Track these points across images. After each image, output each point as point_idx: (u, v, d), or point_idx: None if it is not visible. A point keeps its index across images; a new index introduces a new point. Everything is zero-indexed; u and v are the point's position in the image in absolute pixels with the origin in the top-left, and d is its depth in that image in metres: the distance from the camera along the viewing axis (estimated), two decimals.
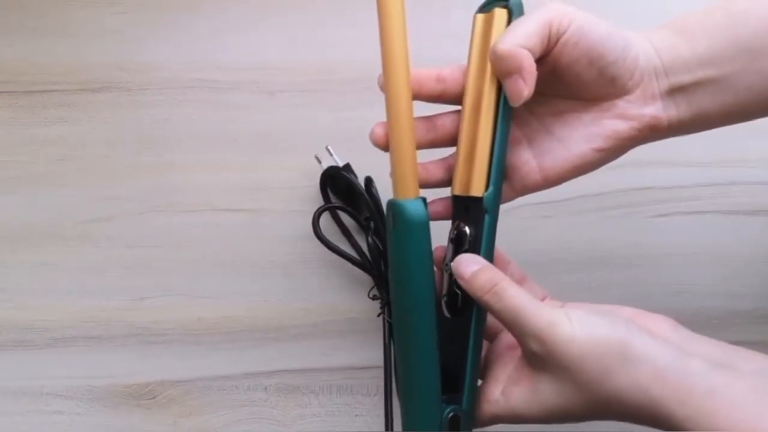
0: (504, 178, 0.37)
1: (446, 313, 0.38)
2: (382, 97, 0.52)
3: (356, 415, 0.49)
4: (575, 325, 0.32)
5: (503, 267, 0.40)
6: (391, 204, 0.36)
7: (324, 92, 0.53)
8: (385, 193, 0.49)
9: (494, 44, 0.34)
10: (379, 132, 0.36)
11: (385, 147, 0.37)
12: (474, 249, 0.36)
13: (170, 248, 0.51)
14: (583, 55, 0.33)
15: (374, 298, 0.49)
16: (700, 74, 0.34)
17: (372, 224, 0.48)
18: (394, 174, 0.36)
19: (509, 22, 0.35)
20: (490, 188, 0.36)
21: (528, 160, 0.37)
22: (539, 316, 0.33)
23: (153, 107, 0.53)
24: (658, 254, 0.50)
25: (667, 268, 0.50)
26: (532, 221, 0.51)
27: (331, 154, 0.50)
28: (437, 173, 0.38)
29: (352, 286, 0.50)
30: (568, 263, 0.50)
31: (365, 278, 0.49)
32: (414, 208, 0.35)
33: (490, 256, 0.36)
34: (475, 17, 0.37)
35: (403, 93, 0.35)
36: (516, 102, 0.34)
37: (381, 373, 0.49)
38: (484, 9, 0.37)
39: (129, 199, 0.51)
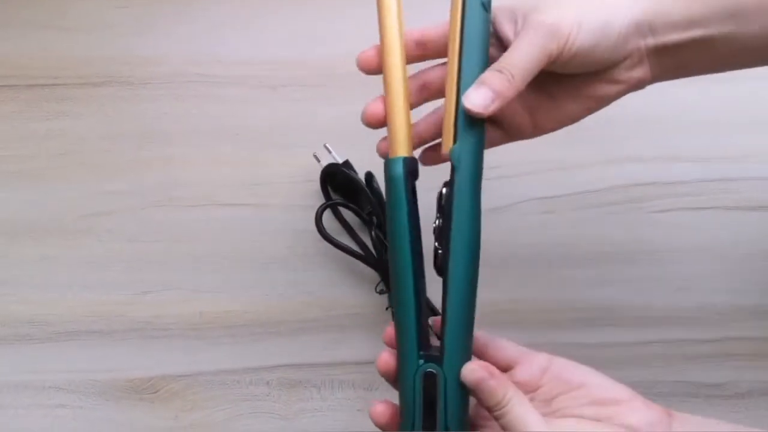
0: (478, 133, 0.36)
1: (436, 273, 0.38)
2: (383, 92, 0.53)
3: (358, 410, 0.49)
4: None
5: (495, 351, 0.40)
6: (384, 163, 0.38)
7: (325, 87, 0.53)
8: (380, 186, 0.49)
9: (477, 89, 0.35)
10: (371, 109, 0.39)
11: (375, 120, 0.38)
12: (448, 210, 0.36)
13: (171, 242, 0.51)
14: (576, 62, 0.35)
15: (381, 292, 0.49)
16: (687, 35, 0.35)
17: (375, 219, 0.48)
18: (387, 134, 0.38)
19: None
20: (457, 142, 0.36)
21: (521, 113, 0.39)
22: None
23: (154, 101, 0.53)
24: (660, 250, 0.50)
25: (669, 264, 0.50)
26: (534, 216, 0.51)
27: (329, 152, 0.49)
28: (429, 131, 0.40)
29: (354, 281, 0.50)
30: (571, 259, 0.50)
31: (367, 272, 0.49)
32: (393, 166, 0.37)
33: (465, 219, 0.36)
34: None
35: (392, 57, 0.38)
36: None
37: None
38: None
39: (130, 194, 0.51)
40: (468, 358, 0.37)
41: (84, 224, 0.51)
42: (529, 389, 0.37)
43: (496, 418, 0.34)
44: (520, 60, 0.34)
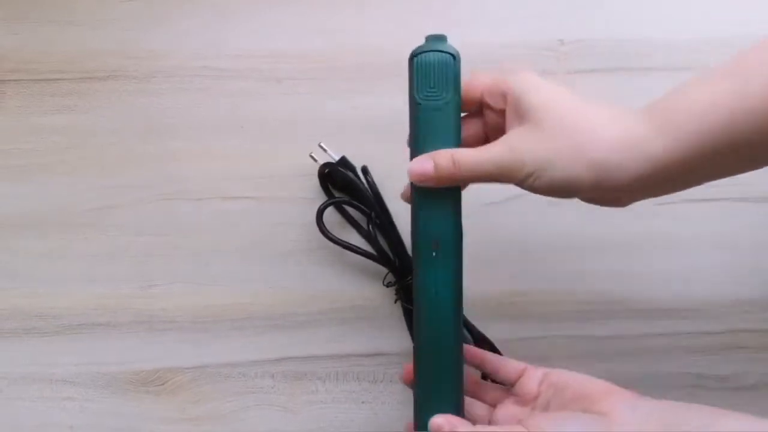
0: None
1: None
2: (388, 85, 0.53)
3: (363, 402, 0.49)
4: None
5: (504, 370, 0.43)
6: None
7: (331, 79, 0.53)
8: (383, 180, 0.49)
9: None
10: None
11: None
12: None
13: (177, 236, 0.51)
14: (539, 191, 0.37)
15: (389, 285, 0.49)
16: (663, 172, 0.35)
17: (372, 213, 0.48)
18: None
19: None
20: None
21: None
22: None
23: (160, 95, 0.53)
24: (665, 242, 0.50)
25: (675, 256, 0.50)
26: (538, 209, 0.51)
27: (325, 150, 0.49)
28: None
29: (359, 274, 0.50)
30: (575, 251, 0.50)
31: (372, 265, 0.49)
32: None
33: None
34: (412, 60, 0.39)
35: None
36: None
37: (388, 360, 0.49)
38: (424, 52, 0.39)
39: (136, 187, 0.52)
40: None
41: (90, 218, 0.51)
42: (530, 399, 0.41)
43: None
44: (475, 165, 0.37)
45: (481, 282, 0.49)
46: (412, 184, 0.39)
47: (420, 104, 0.38)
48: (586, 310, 0.49)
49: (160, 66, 0.53)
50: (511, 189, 0.50)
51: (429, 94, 0.38)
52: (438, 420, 0.39)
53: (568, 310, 0.49)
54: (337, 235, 0.48)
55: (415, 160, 0.38)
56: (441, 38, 0.39)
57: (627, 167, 0.34)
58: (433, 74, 0.38)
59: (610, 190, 0.36)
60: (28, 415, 0.49)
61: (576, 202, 0.51)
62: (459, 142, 0.39)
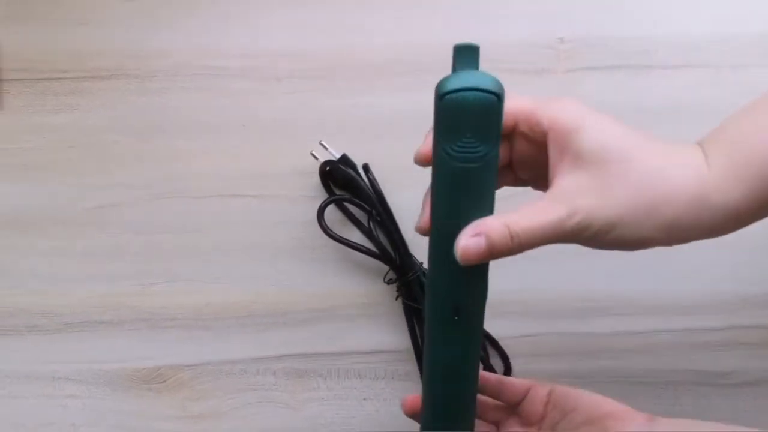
0: None
1: None
2: (388, 83, 0.53)
3: (364, 399, 0.49)
4: None
5: (508, 390, 0.41)
6: None
7: (331, 78, 0.53)
8: (383, 178, 0.49)
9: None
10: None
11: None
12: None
13: (179, 234, 0.51)
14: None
15: (390, 282, 0.49)
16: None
17: (373, 211, 0.48)
18: None
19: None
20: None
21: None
22: None
23: (161, 94, 0.53)
24: None
25: (677, 252, 0.49)
26: None
27: (326, 148, 0.50)
28: None
29: (360, 271, 0.50)
30: (577, 248, 0.50)
31: (373, 263, 0.49)
32: None
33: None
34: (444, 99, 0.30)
35: None
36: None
37: (389, 357, 0.49)
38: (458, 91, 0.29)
39: (138, 186, 0.52)
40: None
41: (92, 216, 0.51)
42: (535, 419, 0.39)
43: None
44: (533, 234, 0.31)
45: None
46: (432, 238, 0.33)
47: (450, 156, 0.30)
48: (588, 307, 0.49)
49: (161, 65, 0.54)
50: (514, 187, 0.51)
51: (464, 146, 0.30)
52: None
53: (570, 307, 0.50)
54: (338, 233, 0.48)
55: (463, 235, 0.31)
56: (474, 53, 0.31)
57: (702, 224, 0.32)
58: (470, 121, 0.29)
59: (680, 243, 0.33)
60: (31, 413, 0.50)
61: None
62: (494, 200, 0.32)
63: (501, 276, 0.49)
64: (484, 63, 0.52)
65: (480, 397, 0.42)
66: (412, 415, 0.40)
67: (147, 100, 0.53)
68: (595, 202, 0.31)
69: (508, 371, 0.48)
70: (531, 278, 0.50)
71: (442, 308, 0.33)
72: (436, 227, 0.32)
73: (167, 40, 0.54)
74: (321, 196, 0.50)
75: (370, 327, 0.50)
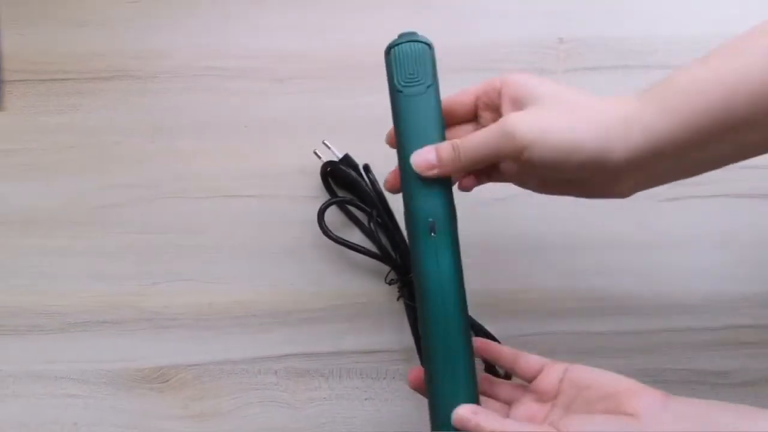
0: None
1: None
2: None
3: (366, 399, 0.49)
4: None
5: (523, 364, 0.41)
6: None
7: (333, 79, 0.53)
8: (384, 178, 0.49)
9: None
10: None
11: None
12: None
13: (181, 234, 0.51)
14: (542, 170, 0.37)
15: (391, 282, 0.49)
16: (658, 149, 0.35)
17: (374, 212, 0.48)
18: None
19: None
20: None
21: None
22: None
23: (163, 95, 0.53)
24: (670, 238, 0.50)
25: (678, 252, 0.50)
26: (544, 205, 0.51)
27: (329, 148, 0.50)
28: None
29: (361, 271, 0.50)
30: (580, 247, 0.50)
31: (374, 263, 0.50)
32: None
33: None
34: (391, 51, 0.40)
35: None
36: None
37: (390, 356, 0.49)
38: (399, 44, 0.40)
39: (140, 186, 0.52)
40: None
41: (94, 216, 0.52)
42: (549, 396, 0.39)
43: None
44: (475, 149, 0.37)
45: (482, 279, 0.49)
46: (402, 171, 0.39)
47: (401, 92, 0.39)
48: (587, 307, 0.50)
49: (163, 66, 0.54)
50: (512, 187, 0.51)
51: (409, 81, 0.39)
52: (462, 412, 0.36)
53: (569, 307, 0.50)
54: (339, 234, 0.49)
55: (417, 152, 0.38)
56: (412, 33, 0.40)
57: (628, 138, 0.34)
58: (411, 62, 0.39)
59: (610, 167, 0.35)
60: (33, 413, 0.50)
61: (577, 199, 0.51)
62: (444, 128, 0.39)
63: (502, 274, 0.50)
64: (484, 63, 0.53)
65: (489, 376, 0.42)
66: (417, 388, 0.40)
67: (149, 101, 0.53)
68: (528, 118, 0.36)
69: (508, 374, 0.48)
70: (531, 278, 0.50)
71: (420, 227, 0.39)
72: (402, 157, 0.39)
73: (169, 41, 0.54)
74: (322, 195, 0.51)
75: (372, 327, 0.50)
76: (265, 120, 0.53)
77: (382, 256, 0.49)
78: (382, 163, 0.50)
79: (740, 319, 0.49)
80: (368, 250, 0.49)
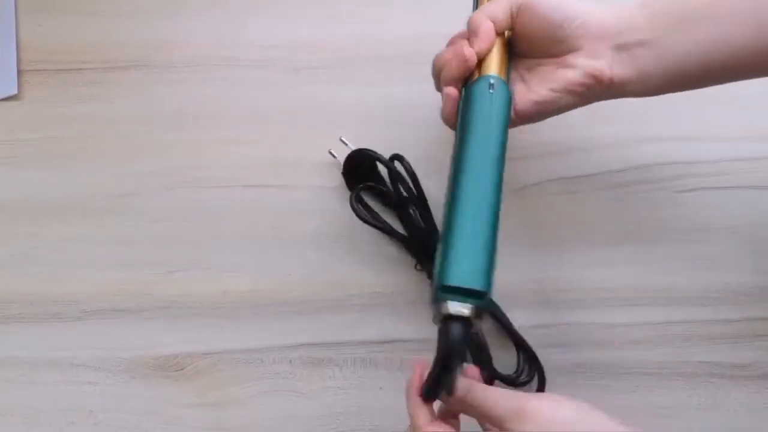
0: None
1: None
2: (406, 74, 0.53)
3: (380, 388, 0.49)
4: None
5: None
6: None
7: (348, 69, 0.53)
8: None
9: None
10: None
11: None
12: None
13: (197, 223, 0.51)
14: (535, 24, 0.41)
15: (420, 269, 0.49)
16: (639, 36, 0.40)
17: (409, 197, 0.48)
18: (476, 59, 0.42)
19: None
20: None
21: None
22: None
23: (180, 84, 0.53)
24: (684, 229, 0.50)
25: (692, 244, 0.50)
26: (556, 197, 0.51)
27: (346, 144, 0.50)
28: None
29: (377, 260, 0.50)
30: (593, 239, 0.50)
31: (391, 252, 0.50)
32: (492, 81, 0.41)
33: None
34: None
35: None
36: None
37: (405, 347, 0.49)
38: None
39: (157, 175, 0.52)
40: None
41: (112, 205, 0.52)
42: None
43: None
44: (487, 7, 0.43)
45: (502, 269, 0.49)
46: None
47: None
48: (605, 298, 0.49)
49: (180, 56, 0.54)
50: (531, 177, 0.51)
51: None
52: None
53: (586, 298, 0.49)
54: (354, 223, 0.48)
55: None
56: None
57: (613, 21, 0.41)
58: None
59: (600, 41, 0.40)
60: (49, 399, 0.50)
61: (594, 191, 0.51)
62: None
63: (517, 265, 0.50)
64: None
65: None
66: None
67: (166, 91, 0.53)
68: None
69: (542, 386, 0.47)
70: (546, 269, 0.50)
71: (480, 84, 0.41)
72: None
73: (186, 31, 0.54)
74: (339, 185, 0.51)
75: (387, 317, 0.50)
76: (281, 110, 0.53)
77: (411, 241, 0.49)
78: (403, 152, 0.50)
79: (758, 311, 0.49)
80: (403, 235, 0.49)
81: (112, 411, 0.50)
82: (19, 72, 0.54)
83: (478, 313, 0.36)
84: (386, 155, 0.49)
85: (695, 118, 0.52)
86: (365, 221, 0.48)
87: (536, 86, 0.42)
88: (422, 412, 0.38)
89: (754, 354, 0.48)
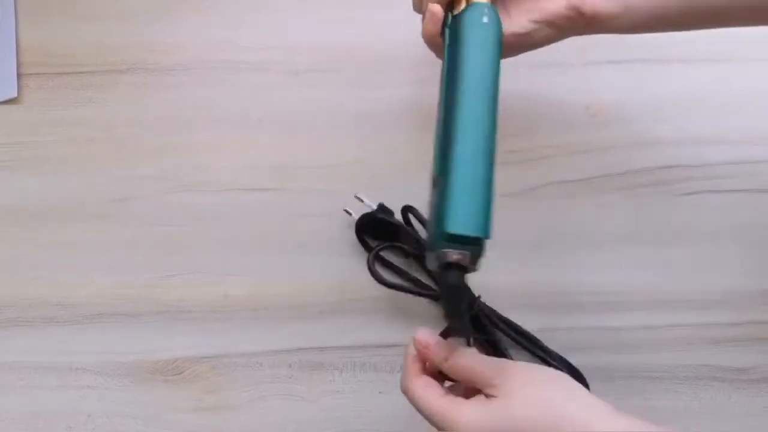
0: None
1: None
2: (404, 77, 0.53)
3: (380, 392, 0.49)
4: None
5: None
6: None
7: (347, 72, 0.53)
8: (401, 171, 0.49)
9: None
10: None
11: None
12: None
13: (196, 227, 0.51)
14: None
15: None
16: None
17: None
18: None
19: None
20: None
21: None
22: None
23: (179, 88, 0.53)
24: (686, 232, 0.50)
25: (695, 247, 0.50)
26: (557, 200, 0.51)
27: (362, 201, 0.49)
28: None
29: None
30: (595, 242, 0.50)
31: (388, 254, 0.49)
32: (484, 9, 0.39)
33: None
34: None
35: None
36: None
37: (405, 351, 0.49)
38: None
39: (156, 179, 0.52)
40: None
41: (111, 209, 0.52)
42: None
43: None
44: None
45: (500, 272, 0.49)
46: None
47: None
48: (605, 301, 0.49)
49: (178, 59, 0.54)
50: (532, 180, 0.51)
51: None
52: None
53: (586, 301, 0.49)
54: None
55: None
56: None
57: None
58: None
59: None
60: (48, 403, 0.50)
61: (595, 194, 0.51)
62: None
63: (517, 269, 0.50)
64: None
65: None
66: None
67: (164, 94, 0.53)
68: None
69: None
70: (546, 272, 0.50)
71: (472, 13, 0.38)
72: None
73: (184, 35, 0.54)
74: (339, 188, 0.50)
75: (387, 320, 0.50)
76: (280, 113, 0.53)
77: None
78: (399, 155, 0.50)
79: (760, 314, 0.48)
80: (424, 292, 0.48)
81: (111, 415, 0.50)
82: (19, 75, 0.54)
83: (475, 259, 0.35)
84: (387, 162, 0.49)
85: (698, 122, 0.51)
86: (387, 285, 0.47)
87: (517, 17, 0.41)
88: (420, 382, 0.39)
89: (756, 357, 0.48)
